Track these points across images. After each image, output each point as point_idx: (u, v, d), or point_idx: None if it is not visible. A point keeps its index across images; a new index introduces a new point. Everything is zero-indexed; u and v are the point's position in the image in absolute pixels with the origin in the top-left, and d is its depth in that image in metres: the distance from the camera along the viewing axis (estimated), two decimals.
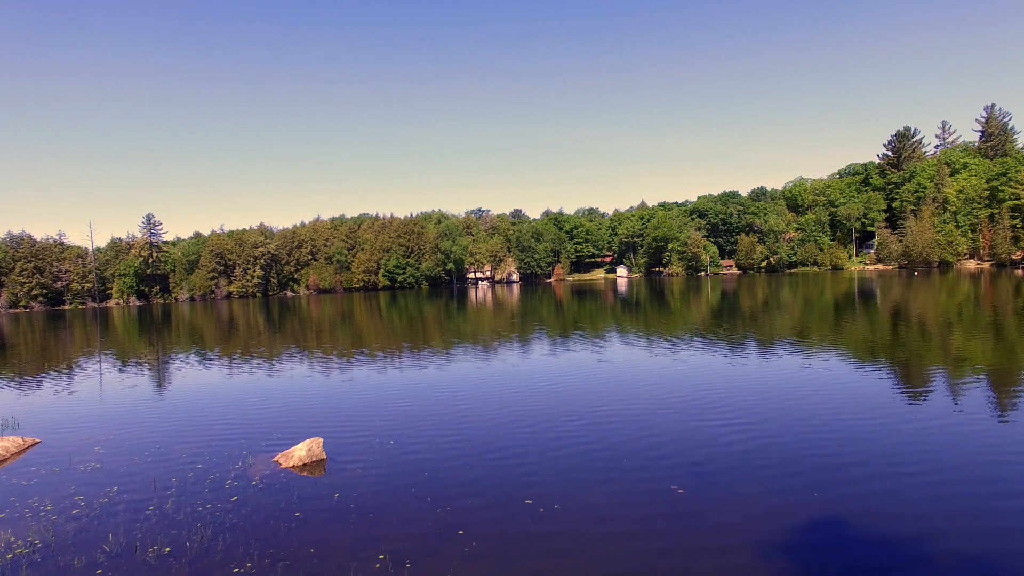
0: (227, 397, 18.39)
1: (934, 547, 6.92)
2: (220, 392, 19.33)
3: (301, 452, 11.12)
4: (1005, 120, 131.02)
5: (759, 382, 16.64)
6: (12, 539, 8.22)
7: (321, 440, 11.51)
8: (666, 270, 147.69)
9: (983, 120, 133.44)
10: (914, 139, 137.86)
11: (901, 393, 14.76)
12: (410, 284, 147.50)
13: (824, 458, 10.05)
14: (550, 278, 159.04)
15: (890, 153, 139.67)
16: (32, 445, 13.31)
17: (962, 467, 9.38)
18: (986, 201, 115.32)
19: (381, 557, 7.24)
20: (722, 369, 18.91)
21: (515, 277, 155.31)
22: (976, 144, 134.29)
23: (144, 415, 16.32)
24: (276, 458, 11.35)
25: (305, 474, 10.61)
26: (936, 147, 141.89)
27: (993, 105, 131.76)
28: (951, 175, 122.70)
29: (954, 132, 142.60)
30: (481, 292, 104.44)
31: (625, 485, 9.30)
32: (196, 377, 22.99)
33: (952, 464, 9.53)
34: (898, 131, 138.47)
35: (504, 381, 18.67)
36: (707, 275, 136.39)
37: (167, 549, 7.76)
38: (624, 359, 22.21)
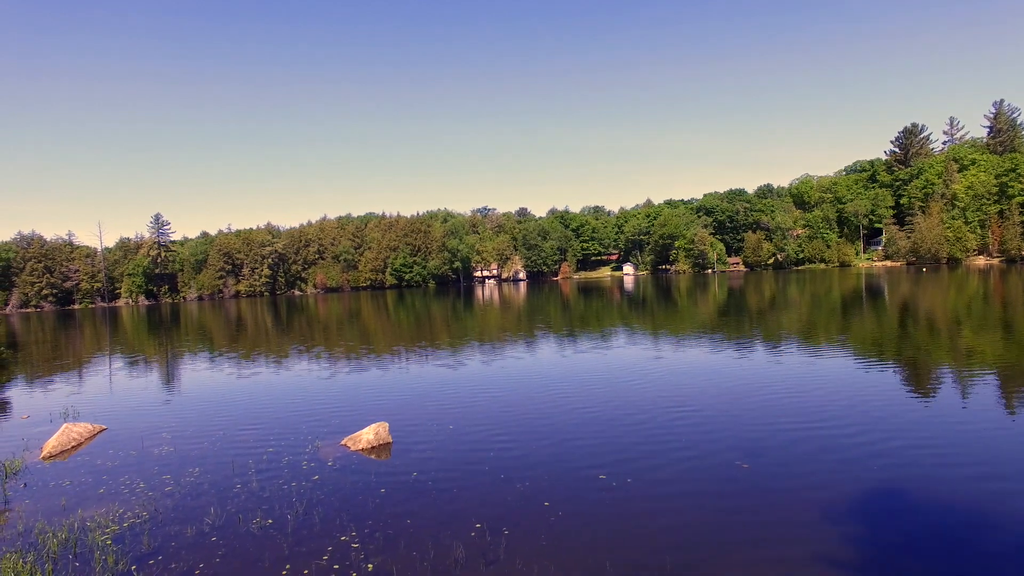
0: (274, 389, 18.89)
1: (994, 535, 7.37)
2: (266, 385, 19.84)
3: (369, 436, 11.62)
4: (1014, 116, 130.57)
5: (787, 377, 17.08)
6: (121, 511, 8.75)
7: (387, 424, 12.00)
8: (672, 267, 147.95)
9: (991, 116, 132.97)
10: (922, 135, 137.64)
11: (946, 390, 15.19)
12: (417, 282, 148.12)
13: (870, 445, 10.52)
14: (556, 276, 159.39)
15: (897, 149, 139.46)
16: (100, 431, 13.86)
17: (990, 457, 9.83)
18: (995, 197, 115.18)
19: (477, 526, 7.73)
20: (750, 363, 19.37)
21: (521, 275, 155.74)
22: (984, 140, 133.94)
23: (199, 404, 16.88)
24: (343, 442, 11.84)
25: (374, 456, 11.10)
26: (944, 143, 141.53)
27: (1002, 101, 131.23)
28: (959, 171, 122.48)
29: (962, 128, 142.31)
30: (488, 290, 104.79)
31: (691, 461, 9.76)
32: (234, 372, 23.51)
33: (985, 455, 9.99)
34: (905, 127, 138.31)
35: (546, 373, 19.13)
36: (714, 272, 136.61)
37: (269, 521, 8.26)
38: (651, 352, 22.65)
